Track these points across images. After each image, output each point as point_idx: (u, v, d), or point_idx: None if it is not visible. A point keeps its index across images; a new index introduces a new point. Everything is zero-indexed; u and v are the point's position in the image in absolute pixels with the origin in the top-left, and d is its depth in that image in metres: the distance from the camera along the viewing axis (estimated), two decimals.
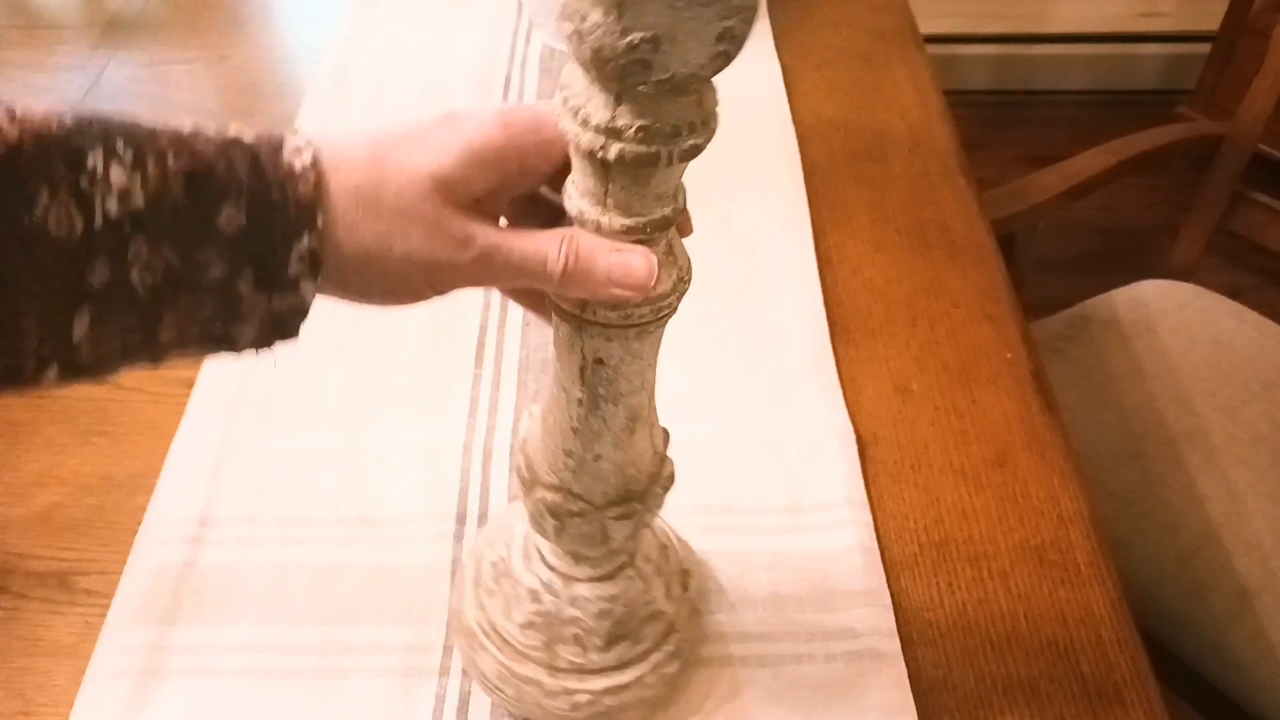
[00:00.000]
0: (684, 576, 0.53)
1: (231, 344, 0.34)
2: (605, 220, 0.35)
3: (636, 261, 0.35)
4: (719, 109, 0.34)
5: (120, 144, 0.31)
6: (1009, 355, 0.68)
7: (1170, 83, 2.09)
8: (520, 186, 0.37)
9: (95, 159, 0.30)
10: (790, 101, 0.89)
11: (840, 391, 0.66)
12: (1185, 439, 0.92)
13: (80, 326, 0.31)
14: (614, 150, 0.32)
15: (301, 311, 0.35)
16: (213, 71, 1.00)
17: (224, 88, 0.98)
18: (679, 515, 0.58)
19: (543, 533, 0.46)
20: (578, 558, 0.48)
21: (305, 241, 0.33)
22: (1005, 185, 1.03)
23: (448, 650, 0.54)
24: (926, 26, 1.01)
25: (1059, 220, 1.04)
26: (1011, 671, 0.53)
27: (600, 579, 0.48)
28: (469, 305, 0.72)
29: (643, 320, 0.37)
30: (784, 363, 0.68)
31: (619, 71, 0.30)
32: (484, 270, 0.35)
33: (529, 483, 0.44)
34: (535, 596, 0.49)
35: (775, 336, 0.70)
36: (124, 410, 0.65)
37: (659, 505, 0.46)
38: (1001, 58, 2.11)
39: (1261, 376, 0.97)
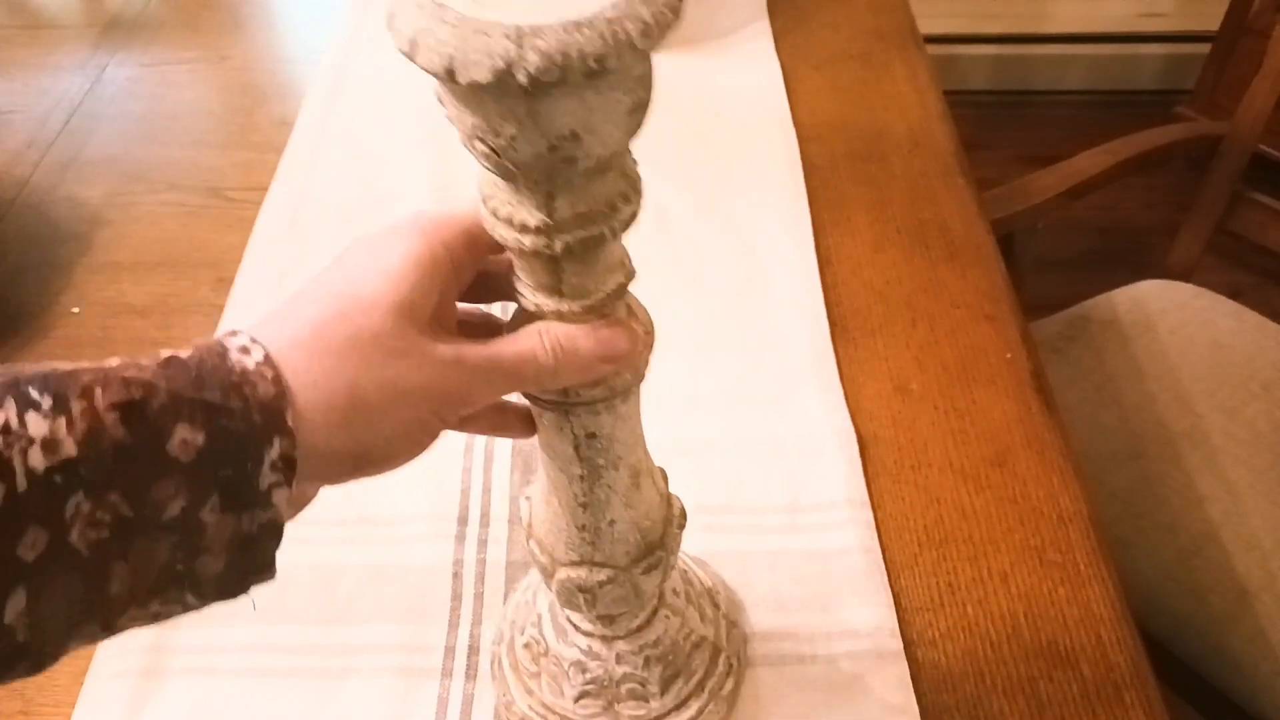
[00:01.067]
0: (711, 595, 0.53)
1: (196, 585, 0.29)
2: (565, 307, 0.34)
3: (617, 334, 0.35)
4: (639, 175, 0.33)
5: (33, 390, 0.26)
6: (1009, 355, 0.68)
7: (1170, 83, 2.09)
8: (457, 289, 0.36)
9: (6, 413, 0.26)
10: (790, 101, 0.89)
11: (840, 391, 0.66)
12: (1184, 439, 0.92)
13: (13, 609, 0.26)
14: (559, 244, 0.32)
15: (275, 531, 0.30)
16: (213, 71, 1.00)
17: (224, 88, 0.98)
18: None
19: (575, 608, 0.45)
20: (612, 619, 0.47)
21: (276, 447, 0.29)
22: (1005, 185, 1.03)
23: (448, 651, 0.54)
24: (926, 26, 1.01)
25: (1059, 220, 1.04)
26: (1011, 671, 0.53)
27: (639, 629, 0.48)
28: None
29: (626, 386, 0.37)
30: (784, 363, 0.68)
31: (546, 174, 0.30)
32: (484, 384, 0.34)
33: (549, 566, 0.44)
34: (582, 667, 0.48)
35: (775, 336, 0.70)
36: None
37: (678, 544, 0.46)
38: (1001, 58, 2.11)
39: (1260, 376, 0.97)
